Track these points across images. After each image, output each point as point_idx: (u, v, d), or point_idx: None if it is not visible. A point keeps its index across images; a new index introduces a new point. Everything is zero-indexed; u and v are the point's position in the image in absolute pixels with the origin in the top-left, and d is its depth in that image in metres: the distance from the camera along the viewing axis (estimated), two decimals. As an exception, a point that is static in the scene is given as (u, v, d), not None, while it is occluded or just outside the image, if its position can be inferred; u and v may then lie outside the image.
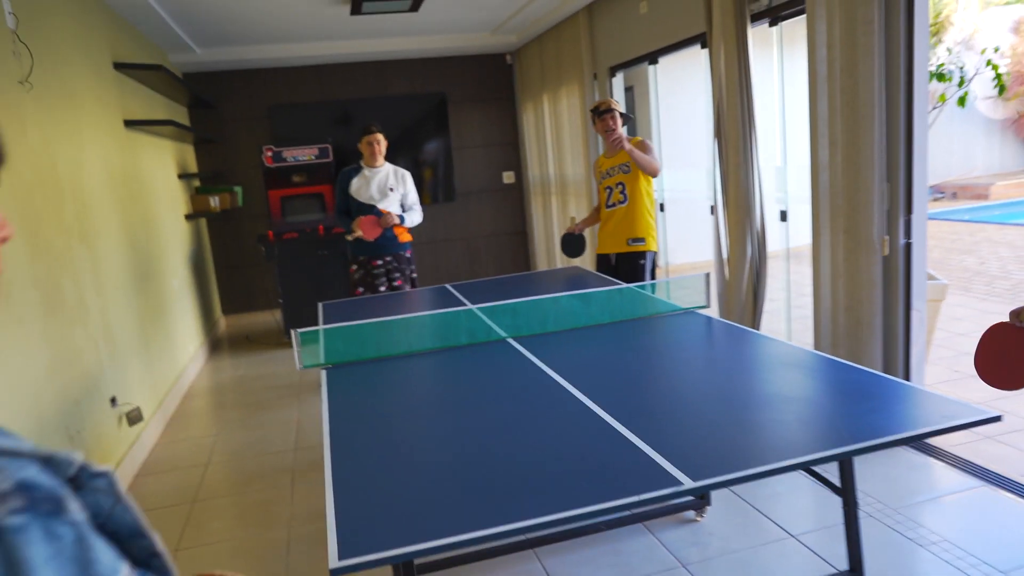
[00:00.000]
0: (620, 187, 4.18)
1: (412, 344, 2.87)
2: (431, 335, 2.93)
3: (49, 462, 0.54)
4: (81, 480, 0.56)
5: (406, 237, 4.78)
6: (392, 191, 4.67)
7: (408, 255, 4.81)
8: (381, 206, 4.61)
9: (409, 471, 1.78)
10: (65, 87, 3.59)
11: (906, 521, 2.73)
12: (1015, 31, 12.14)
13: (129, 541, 0.58)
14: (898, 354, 3.29)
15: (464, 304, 3.51)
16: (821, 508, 2.90)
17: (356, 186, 4.63)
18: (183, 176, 6.28)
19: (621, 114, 4.18)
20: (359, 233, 4.57)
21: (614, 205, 4.23)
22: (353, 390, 2.41)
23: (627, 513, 2.96)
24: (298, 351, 2.67)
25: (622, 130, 4.20)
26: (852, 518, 2.05)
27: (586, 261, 6.31)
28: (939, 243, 8.65)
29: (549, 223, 7.40)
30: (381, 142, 4.64)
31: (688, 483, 1.53)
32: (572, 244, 4.54)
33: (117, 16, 4.85)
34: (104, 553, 0.53)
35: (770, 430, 1.81)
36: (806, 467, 1.71)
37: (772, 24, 4.01)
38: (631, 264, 4.18)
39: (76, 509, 0.53)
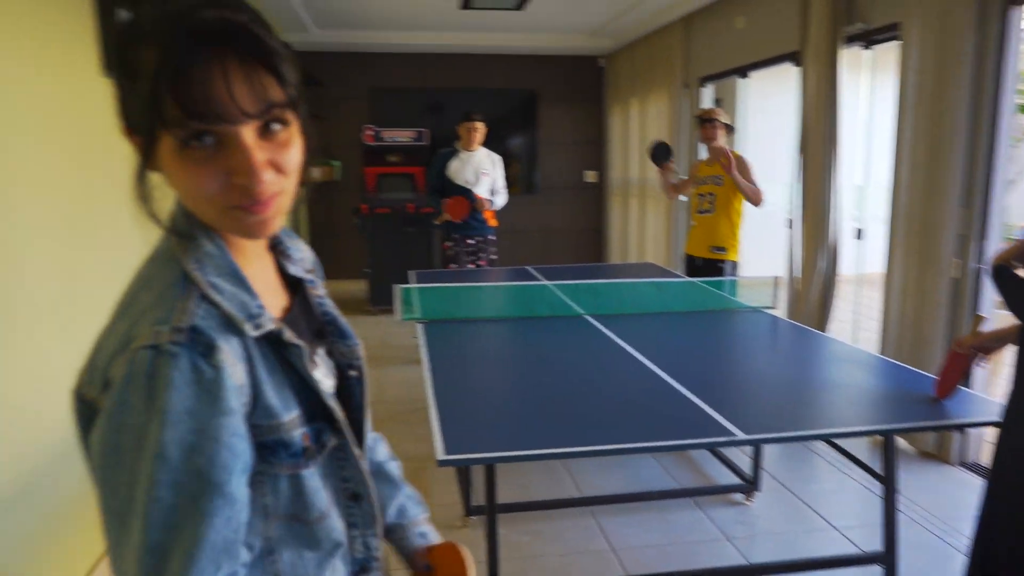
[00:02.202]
0: (711, 197, 4.35)
1: (499, 310, 3.17)
2: (515, 304, 3.23)
3: (230, 320, 0.69)
4: (272, 341, 0.73)
5: (494, 222, 5.13)
6: (485, 175, 5.01)
7: (493, 239, 5.14)
8: (475, 189, 4.96)
9: (494, 403, 2.07)
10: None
11: (950, 531, 2.87)
12: None
13: (307, 399, 0.77)
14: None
15: (544, 282, 3.80)
16: (866, 508, 3.06)
17: (454, 168, 4.99)
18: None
19: (725, 124, 4.34)
20: (447, 216, 4.92)
21: (702, 212, 4.43)
22: (445, 342, 2.73)
23: (678, 487, 3.20)
24: (399, 304, 3.00)
25: (723, 141, 4.35)
26: (890, 503, 2.24)
27: (659, 258, 6.51)
28: None
29: (627, 223, 7.61)
30: (480, 129, 5.00)
31: (740, 435, 1.77)
32: (660, 150, 4.62)
33: (252, -5, 5.32)
34: (235, 399, 0.66)
35: (818, 406, 2.03)
36: (837, 439, 1.92)
37: (866, 47, 4.14)
38: (712, 270, 4.36)
39: (228, 361, 0.66)
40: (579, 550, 2.73)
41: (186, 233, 0.71)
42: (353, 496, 0.83)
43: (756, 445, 3.10)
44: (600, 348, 2.65)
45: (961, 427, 1.92)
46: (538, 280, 3.97)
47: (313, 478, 0.77)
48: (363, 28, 7.06)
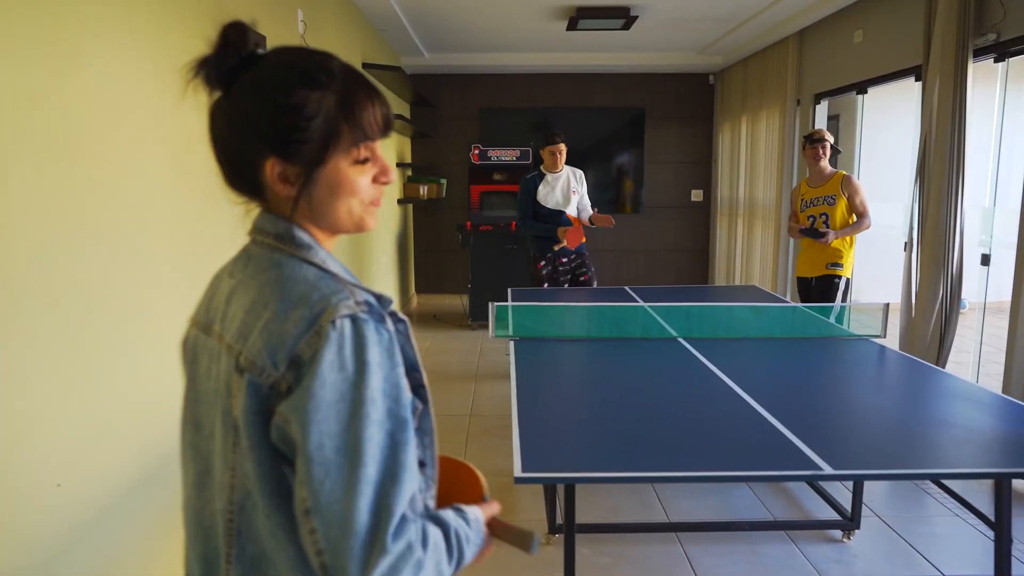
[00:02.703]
0: (824, 217, 4.28)
1: (590, 330, 3.18)
2: (608, 325, 3.23)
3: (380, 298, 0.87)
4: (393, 317, 0.90)
5: (584, 238, 5.08)
6: (574, 194, 5.00)
7: (587, 255, 5.10)
8: (568, 210, 4.96)
9: (579, 423, 2.09)
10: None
11: (1077, 585, 2.62)
12: None
13: (408, 372, 0.88)
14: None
15: (640, 303, 3.77)
16: (979, 554, 2.83)
17: (543, 193, 4.97)
18: (399, 165, 7.06)
19: (831, 147, 4.27)
20: (564, 243, 4.90)
21: None
22: (536, 359, 2.77)
23: (771, 519, 3.08)
24: (493, 321, 3.08)
25: (826, 161, 4.28)
26: (1003, 552, 2.07)
27: (766, 281, 6.31)
28: None
29: (733, 243, 7.41)
30: (563, 151, 4.96)
31: (828, 470, 1.70)
32: (811, 233, 4.55)
33: (367, 23, 5.63)
34: (399, 356, 0.85)
35: (921, 444, 1.91)
36: (946, 480, 1.80)
37: (997, 60, 3.87)
38: (827, 283, 4.29)
39: (390, 327, 0.85)
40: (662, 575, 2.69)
41: (306, 243, 0.87)
42: (420, 463, 0.92)
43: (852, 481, 2.95)
44: (691, 372, 2.61)
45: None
46: (635, 301, 3.95)
47: (422, 425, 0.92)
48: (473, 51, 7.29)
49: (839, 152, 4.33)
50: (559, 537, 2.94)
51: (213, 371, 0.87)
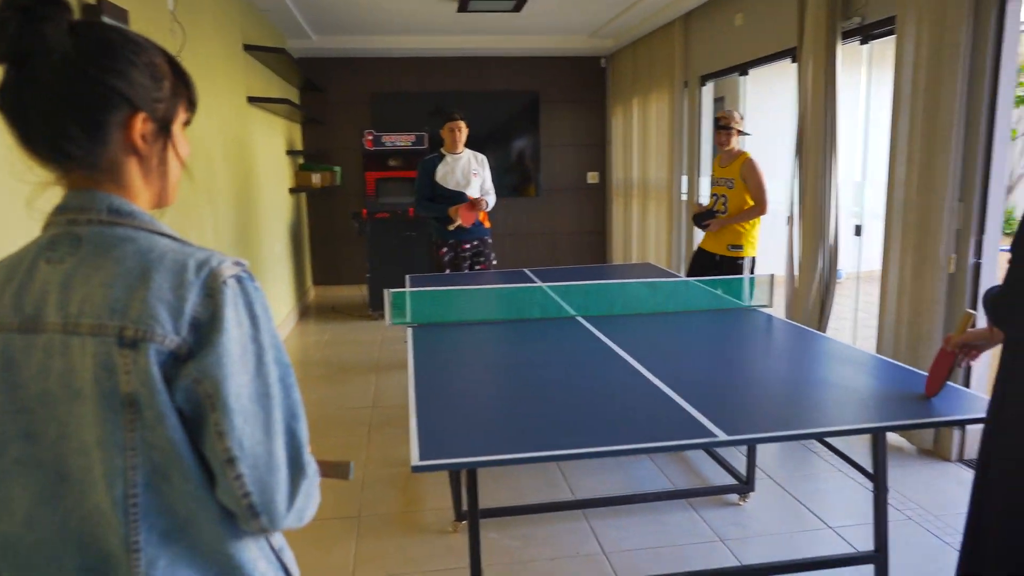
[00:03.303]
0: (723, 199, 4.40)
1: (489, 313, 3.15)
2: (507, 307, 3.21)
3: (237, 261, 0.89)
4: None
5: (488, 223, 5.06)
6: (475, 176, 4.93)
7: (490, 240, 5.08)
8: (468, 191, 4.89)
9: (476, 406, 2.06)
10: (206, 63, 4.06)
11: (946, 527, 2.82)
12: None
13: None
14: (958, 371, 3.35)
15: (539, 284, 3.78)
16: (864, 507, 3.01)
17: (441, 173, 4.87)
18: (290, 152, 6.79)
19: (739, 131, 4.38)
20: (459, 221, 4.82)
21: (716, 213, 4.45)
22: (434, 345, 2.71)
23: (672, 488, 3.17)
24: (389, 309, 2.99)
25: (736, 145, 4.39)
26: (881, 502, 2.20)
27: (661, 258, 6.49)
28: None
29: (629, 223, 7.58)
30: (463, 129, 4.87)
31: (722, 436, 1.75)
32: (702, 217, 4.63)
33: (247, 1, 5.35)
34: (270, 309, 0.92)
35: (809, 405, 2.00)
36: (829, 437, 1.88)
37: (863, 42, 4.10)
38: (733, 266, 4.40)
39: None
40: (570, 554, 2.71)
41: (146, 216, 0.89)
42: None
43: (747, 445, 3.08)
44: (590, 350, 2.63)
45: (950, 424, 1.89)
46: (533, 282, 3.95)
47: None
48: (362, 33, 7.08)
49: (748, 135, 4.46)
50: (465, 524, 2.91)
51: (54, 366, 0.81)
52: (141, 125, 0.87)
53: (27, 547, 0.83)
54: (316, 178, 6.84)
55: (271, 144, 5.98)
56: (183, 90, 0.93)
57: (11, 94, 0.82)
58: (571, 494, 3.17)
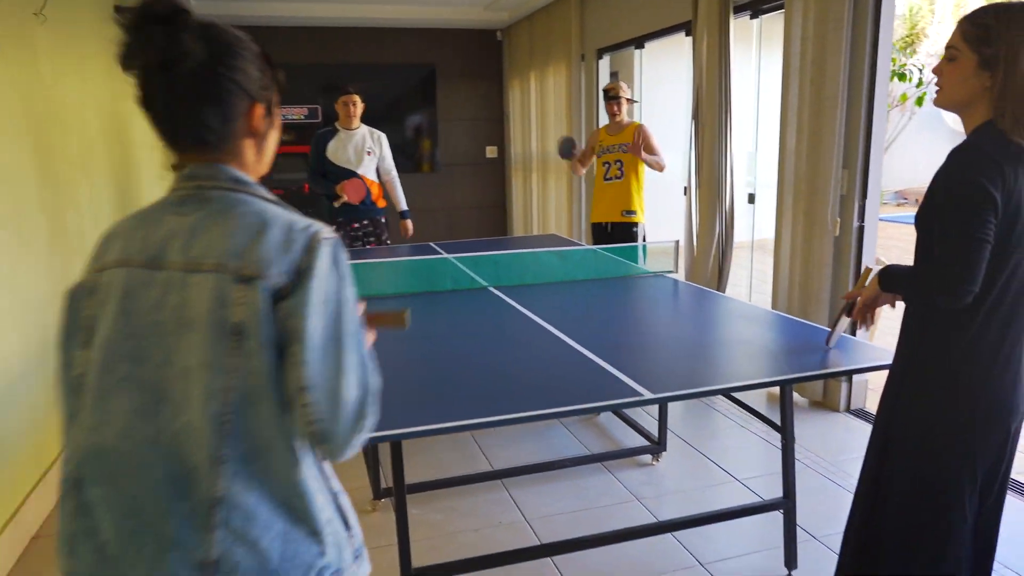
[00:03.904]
0: (618, 164, 4.42)
1: (399, 287, 3.08)
2: (416, 280, 3.15)
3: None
4: None
5: (383, 202, 4.86)
6: (370, 154, 4.71)
7: (383, 220, 4.88)
8: (359, 170, 4.69)
9: (392, 380, 2.00)
10: (74, 24, 3.71)
11: (841, 473, 3.03)
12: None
13: None
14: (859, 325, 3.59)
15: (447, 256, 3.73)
16: (766, 458, 3.19)
17: (332, 148, 4.65)
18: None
19: (628, 99, 4.43)
20: (345, 198, 4.62)
21: (611, 179, 4.47)
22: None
23: (587, 453, 3.23)
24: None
25: (626, 113, 4.43)
26: (788, 451, 2.33)
27: (562, 230, 6.56)
28: (898, 243, 9.10)
29: (528, 198, 7.61)
30: (357, 103, 4.67)
31: (648, 394, 1.78)
32: (567, 146, 4.69)
33: (120, -39, 4.93)
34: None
35: (717, 363, 2.07)
36: (736, 392, 1.96)
37: (753, 17, 4.26)
38: (627, 233, 4.44)
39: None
40: (493, 523, 2.71)
41: (259, 186, 1.04)
42: None
43: (662, 405, 3.17)
44: (506, 319, 2.62)
45: (848, 374, 2.01)
46: (440, 254, 3.90)
47: None
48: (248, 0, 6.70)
49: (636, 102, 4.52)
50: (385, 502, 2.86)
51: (171, 300, 0.95)
52: (259, 111, 1.03)
53: (120, 456, 0.93)
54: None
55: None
56: (275, 80, 1.07)
57: (160, 96, 0.98)
58: (490, 465, 3.17)
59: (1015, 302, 1.55)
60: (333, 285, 0.97)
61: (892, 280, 1.69)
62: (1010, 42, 1.45)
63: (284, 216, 1.00)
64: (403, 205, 5.00)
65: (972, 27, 1.49)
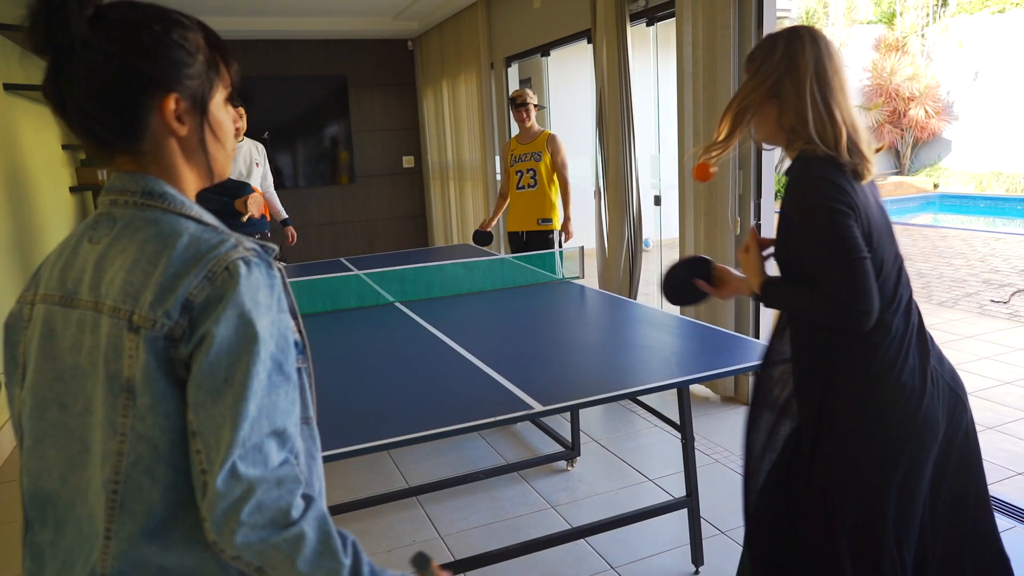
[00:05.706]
0: (531, 172, 4.45)
1: (302, 307, 3.01)
2: (321, 299, 3.08)
3: (264, 247, 0.88)
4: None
5: (269, 216, 4.79)
6: (257, 166, 4.63)
7: (268, 234, 4.76)
8: (250, 182, 4.58)
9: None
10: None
11: (747, 466, 3.12)
12: (876, 48, 13.27)
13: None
14: (748, 322, 3.71)
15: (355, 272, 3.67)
16: (676, 457, 3.25)
17: None
18: (67, 147, 6.06)
19: (535, 105, 4.46)
20: (252, 211, 4.50)
21: (524, 188, 4.49)
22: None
23: (503, 463, 3.23)
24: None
25: (535, 119, 4.46)
26: (689, 450, 2.38)
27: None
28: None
29: (447, 207, 7.59)
30: (243, 115, 4.61)
31: (538, 407, 1.79)
32: (483, 238, 4.78)
33: (-4, -24, 4.67)
34: (285, 301, 0.88)
35: (620, 368, 2.10)
36: (639, 396, 2.00)
37: (649, 24, 4.36)
38: (543, 241, 4.47)
39: (278, 271, 0.88)
40: (406, 543, 2.67)
41: (178, 198, 0.88)
42: (305, 419, 0.95)
43: (573, 411, 3.20)
44: (410, 336, 2.59)
45: (743, 371, 2.08)
46: (350, 271, 3.84)
47: (303, 376, 0.93)
48: (143, 13, 6.44)
49: (543, 108, 4.56)
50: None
51: (85, 342, 0.83)
52: (174, 105, 0.86)
53: (63, 503, 0.86)
54: (103, 174, 6.17)
55: (42, 138, 5.30)
56: (221, 64, 0.92)
57: (50, 85, 0.84)
58: (405, 482, 3.13)
59: (909, 309, 1.52)
60: (239, 315, 0.80)
61: (775, 298, 1.59)
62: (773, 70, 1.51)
63: (192, 238, 0.84)
64: (284, 214, 5.02)
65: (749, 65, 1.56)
